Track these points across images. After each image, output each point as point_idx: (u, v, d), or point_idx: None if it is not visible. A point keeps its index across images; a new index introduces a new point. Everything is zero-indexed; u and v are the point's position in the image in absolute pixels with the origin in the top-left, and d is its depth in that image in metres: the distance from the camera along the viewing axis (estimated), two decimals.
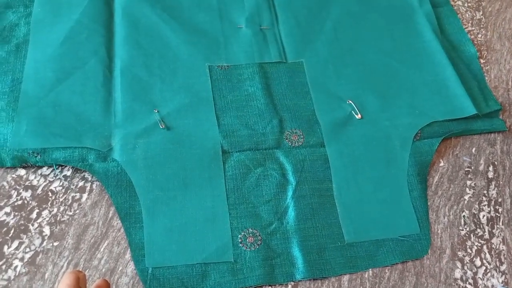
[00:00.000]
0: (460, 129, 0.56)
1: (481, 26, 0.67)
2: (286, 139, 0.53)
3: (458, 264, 0.48)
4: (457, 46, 0.64)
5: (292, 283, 0.45)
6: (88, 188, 0.49)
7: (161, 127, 0.52)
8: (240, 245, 0.46)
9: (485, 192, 0.53)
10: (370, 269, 0.46)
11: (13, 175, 0.49)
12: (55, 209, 0.48)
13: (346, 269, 0.46)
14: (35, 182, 0.49)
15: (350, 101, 0.56)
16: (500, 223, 0.51)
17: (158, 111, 0.53)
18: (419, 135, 0.54)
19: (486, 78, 0.61)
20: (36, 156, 0.49)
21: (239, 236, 0.47)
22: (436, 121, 0.55)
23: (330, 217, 0.49)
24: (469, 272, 0.47)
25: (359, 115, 0.55)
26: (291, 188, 0.50)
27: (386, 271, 0.47)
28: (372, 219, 0.49)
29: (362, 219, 0.49)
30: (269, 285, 0.45)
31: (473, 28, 0.67)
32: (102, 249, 0.46)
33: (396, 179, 0.51)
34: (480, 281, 0.47)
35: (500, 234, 0.50)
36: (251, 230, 0.47)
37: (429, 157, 0.53)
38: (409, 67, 0.60)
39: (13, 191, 0.48)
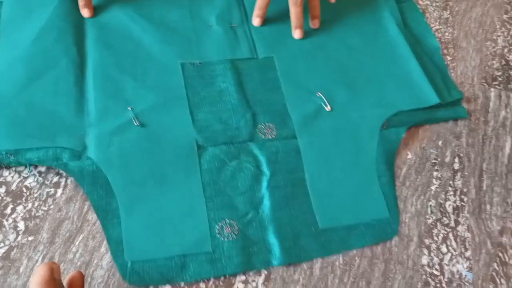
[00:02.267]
0: (425, 117, 0.58)
1: (448, 24, 0.70)
2: (259, 132, 0.54)
3: (425, 251, 0.49)
4: (421, 40, 0.67)
5: (266, 272, 0.46)
6: (62, 183, 0.49)
7: (135, 124, 0.52)
8: (218, 235, 0.47)
9: (451, 182, 0.54)
10: (341, 257, 0.48)
11: None
12: (30, 205, 0.48)
13: (321, 253, 0.48)
14: (9, 178, 0.49)
15: (319, 94, 0.58)
16: (465, 212, 0.52)
17: (132, 109, 0.53)
18: (386, 124, 0.57)
19: (453, 74, 0.64)
20: (9, 157, 0.48)
21: (217, 227, 0.48)
22: (402, 111, 0.58)
23: (304, 205, 0.50)
24: (435, 259, 0.49)
25: (329, 107, 0.57)
26: (265, 179, 0.51)
27: (356, 258, 0.48)
28: (344, 205, 0.51)
29: (334, 206, 0.50)
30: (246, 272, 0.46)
31: (440, 27, 0.70)
32: (77, 243, 0.46)
33: (365, 167, 0.53)
34: (446, 267, 0.48)
35: (465, 222, 0.52)
36: (228, 221, 0.48)
37: (396, 145, 0.56)
38: (375, 60, 0.63)
39: None
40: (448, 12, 0.72)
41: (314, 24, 0.64)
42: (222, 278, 0.45)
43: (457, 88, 0.62)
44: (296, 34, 0.63)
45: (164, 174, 0.50)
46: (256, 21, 0.63)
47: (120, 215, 0.47)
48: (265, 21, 0.64)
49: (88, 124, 0.52)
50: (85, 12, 0.58)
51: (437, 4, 0.73)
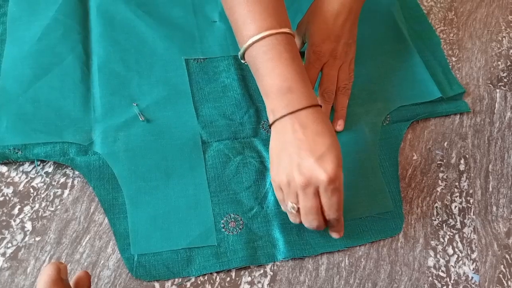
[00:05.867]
0: (427, 112, 0.58)
1: (453, 25, 0.70)
2: (263, 128, 0.55)
3: (431, 253, 0.49)
4: (422, 35, 0.67)
5: (272, 273, 0.47)
6: (69, 184, 0.50)
7: (141, 119, 0.53)
8: (223, 229, 0.48)
9: (457, 184, 0.54)
10: (347, 258, 0.48)
11: None
12: (37, 205, 0.48)
13: (325, 248, 0.48)
14: (16, 179, 0.49)
15: None
16: (471, 213, 0.52)
17: (137, 105, 0.54)
18: (388, 119, 0.57)
19: (458, 75, 0.64)
20: (17, 152, 0.49)
21: (222, 221, 0.48)
22: (404, 105, 0.58)
23: None
24: (441, 260, 0.49)
25: (331, 103, 0.57)
26: (269, 174, 0.52)
27: (362, 260, 0.48)
28: (348, 200, 0.51)
29: None
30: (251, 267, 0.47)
31: (445, 28, 0.69)
32: (84, 244, 0.46)
33: (369, 163, 0.54)
34: (452, 269, 0.48)
35: (471, 224, 0.52)
36: (233, 215, 0.49)
37: (399, 141, 0.56)
38: (377, 55, 0.63)
39: None
40: (453, 13, 0.72)
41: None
42: (228, 279, 0.46)
43: (458, 82, 0.62)
44: (340, 126, 0.55)
45: (169, 169, 0.50)
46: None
47: (126, 209, 0.47)
48: None
49: (94, 120, 0.52)
50: None
51: (442, 5, 0.72)
